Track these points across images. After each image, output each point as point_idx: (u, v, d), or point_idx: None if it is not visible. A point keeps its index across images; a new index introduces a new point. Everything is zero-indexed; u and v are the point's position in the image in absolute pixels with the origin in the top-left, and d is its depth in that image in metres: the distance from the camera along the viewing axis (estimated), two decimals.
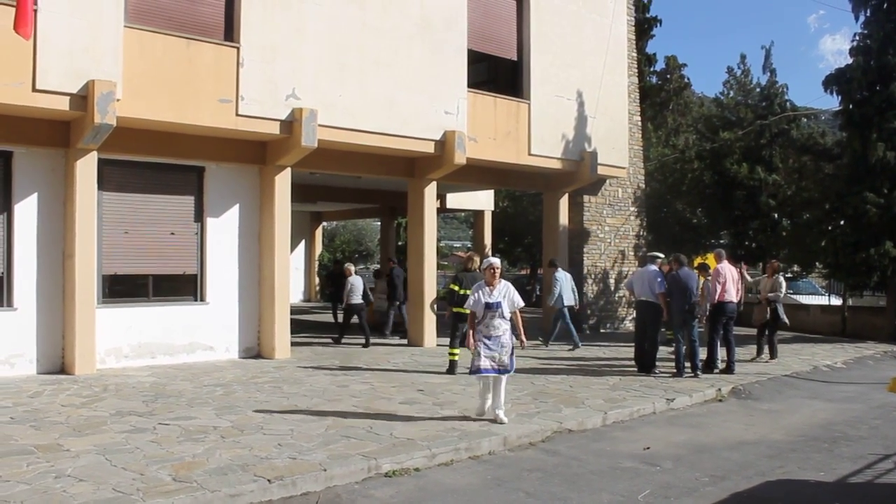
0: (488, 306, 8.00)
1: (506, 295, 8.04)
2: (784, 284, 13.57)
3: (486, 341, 7.96)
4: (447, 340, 15.09)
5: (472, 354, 8.06)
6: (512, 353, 8.02)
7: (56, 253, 10.77)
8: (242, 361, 12.24)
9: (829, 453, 7.36)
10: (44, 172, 10.72)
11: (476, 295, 8.06)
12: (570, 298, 14.61)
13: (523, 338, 8.22)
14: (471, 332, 8.07)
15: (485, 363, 7.93)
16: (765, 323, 13.50)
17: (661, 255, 12.65)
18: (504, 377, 8.04)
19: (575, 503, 5.76)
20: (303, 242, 28.62)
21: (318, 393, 9.49)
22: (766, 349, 13.57)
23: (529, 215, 28.30)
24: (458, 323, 11.38)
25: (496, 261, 8.22)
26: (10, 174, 10.60)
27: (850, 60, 17.52)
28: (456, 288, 11.42)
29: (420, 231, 14.72)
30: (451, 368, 11.37)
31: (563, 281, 14.57)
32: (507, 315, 8.07)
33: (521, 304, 8.19)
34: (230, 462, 6.30)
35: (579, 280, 17.80)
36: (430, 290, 14.75)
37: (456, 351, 11.40)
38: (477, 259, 11.54)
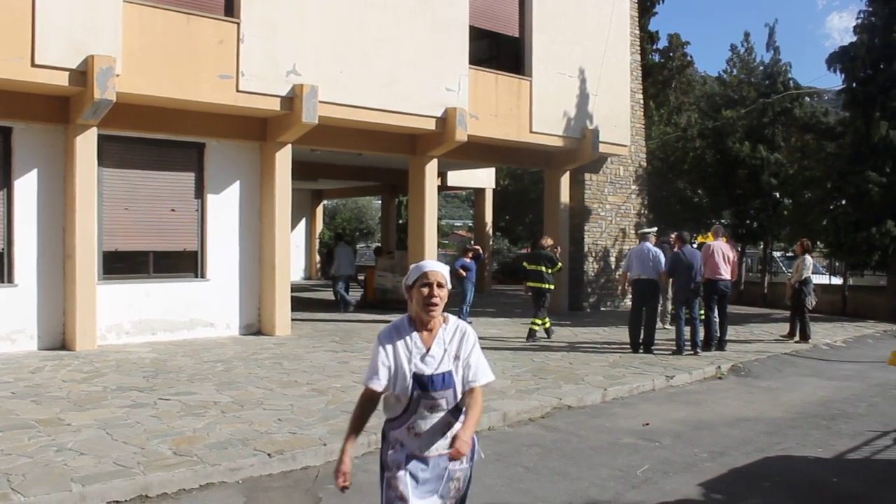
0: (420, 385, 3.25)
1: (459, 354, 3.30)
2: (810, 265, 13.44)
3: (418, 469, 3.26)
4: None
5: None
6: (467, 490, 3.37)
7: (56, 229, 10.75)
8: (243, 338, 12.27)
9: (828, 430, 7.38)
10: (43, 148, 10.67)
11: (382, 355, 3.29)
12: (346, 268, 16.59)
13: (463, 449, 3.12)
14: (347, 441, 3.33)
15: None
16: (795, 303, 13.42)
17: (653, 230, 12.64)
18: None
19: (574, 478, 5.78)
20: (303, 220, 28.61)
21: (319, 369, 9.50)
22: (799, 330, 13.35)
23: (531, 193, 28.25)
24: (535, 297, 12.77)
25: (437, 269, 3.29)
26: (10, 150, 10.55)
27: (854, 38, 17.37)
28: (526, 265, 12.95)
29: (421, 209, 14.71)
30: (531, 335, 12.57)
31: (343, 255, 16.51)
32: (460, 396, 3.30)
33: (491, 377, 3.35)
34: (230, 436, 6.32)
35: (580, 258, 17.85)
36: None
37: (538, 322, 12.66)
38: (548, 240, 13.20)
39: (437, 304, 3.20)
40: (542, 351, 11.48)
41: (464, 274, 14.33)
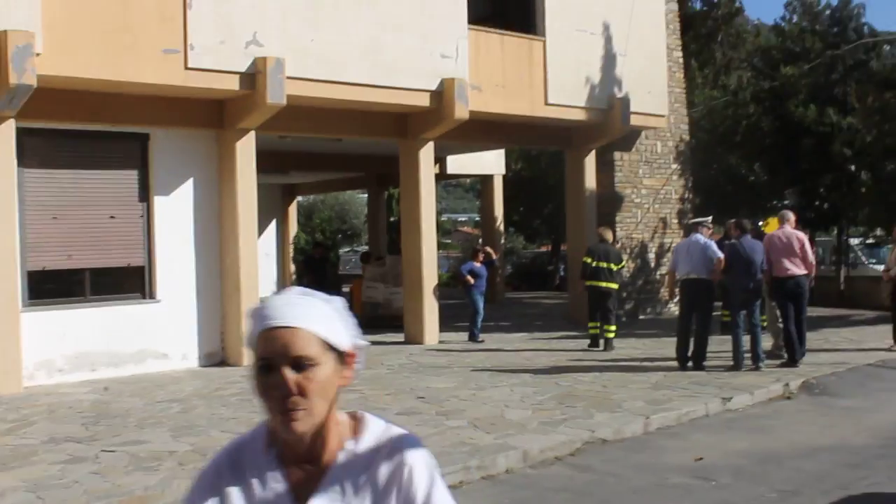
0: None
1: None
2: None
3: None
4: (453, 335, 15.22)
5: None
6: None
7: None
8: (204, 370, 12.28)
9: None
10: None
11: None
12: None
13: None
14: None
15: None
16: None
17: (708, 219, 12.63)
18: None
19: None
20: (273, 223, 28.59)
21: None
22: None
23: (549, 179, 28.27)
24: (593, 298, 13.40)
25: (292, 322, 1.75)
26: None
27: None
28: (588, 260, 13.40)
29: (415, 203, 14.73)
30: (594, 341, 13.39)
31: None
32: None
33: None
34: None
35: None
36: (431, 275, 14.76)
37: (595, 325, 13.39)
38: (610, 232, 14.02)
39: (298, 417, 1.72)
40: (569, 372, 11.48)
41: (471, 282, 14.37)
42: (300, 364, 1.72)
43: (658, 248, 18.56)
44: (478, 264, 14.65)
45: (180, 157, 12.48)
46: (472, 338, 14.50)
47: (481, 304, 14.44)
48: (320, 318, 1.77)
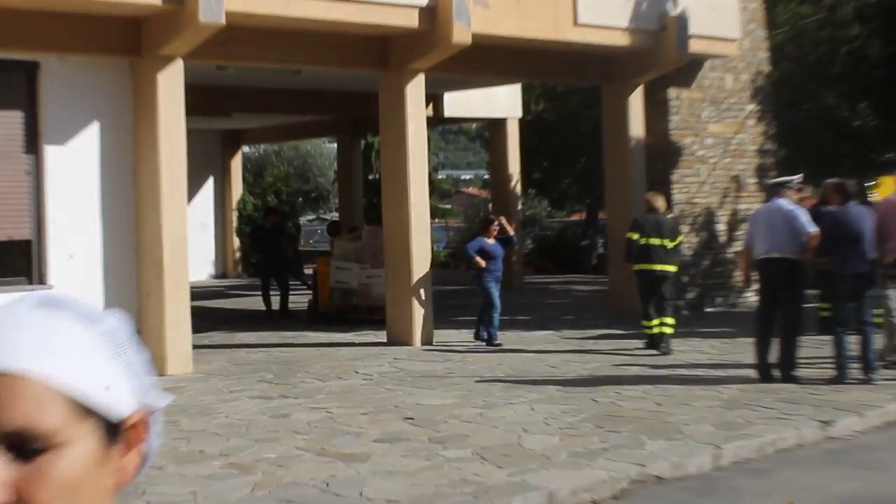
0: None
1: None
2: None
3: None
4: (452, 333, 15.03)
5: None
6: None
7: None
8: None
9: None
10: None
11: None
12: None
13: None
14: None
15: None
16: None
17: (796, 179, 12.63)
18: None
19: None
20: (210, 182, 28.69)
21: (239, 429, 9.52)
22: None
23: (582, 124, 28.13)
24: (644, 285, 13.54)
25: None
26: None
27: None
28: (635, 237, 13.44)
29: (401, 155, 14.76)
30: (653, 343, 13.50)
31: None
32: None
33: None
34: None
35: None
36: (422, 252, 14.84)
37: (653, 322, 13.46)
38: (661, 199, 14.05)
39: None
40: (611, 384, 11.44)
41: (482, 265, 14.13)
42: (21, 446, 1.07)
43: (730, 218, 18.61)
44: (490, 241, 14.44)
45: (81, 95, 12.52)
46: (485, 338, 14.40)
47: (496, 295, 14.22)
48: (68, 355, 1.12)
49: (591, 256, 30.34)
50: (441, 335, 14.85)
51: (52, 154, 12.27)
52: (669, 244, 13.46)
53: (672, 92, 17.92)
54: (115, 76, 12.65)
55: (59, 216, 12.32)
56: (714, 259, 18.44)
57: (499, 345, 14.34)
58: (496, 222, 14.82)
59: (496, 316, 14.38)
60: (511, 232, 15.08)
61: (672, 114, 17.96)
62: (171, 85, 12.52)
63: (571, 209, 37.17)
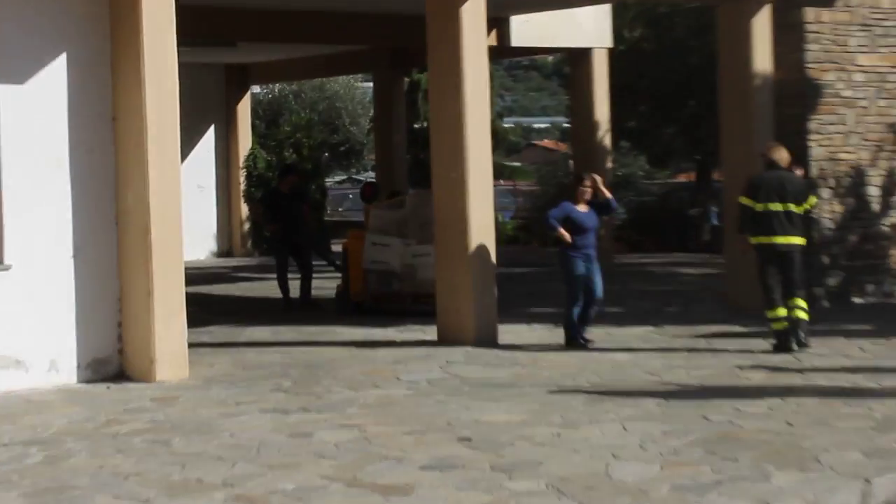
0: None
1: None
2: None
3: None
4: (522, 328, 15.06)
5: None
6: None
7: None
8: (86, 389, 12.39)
9: None
10: None
11: None
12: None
13: None
14: None
15: None
16: None
17: None
18: None
19: None
20: (211, 131, 28.68)
21: (248, 452, 9.52)
22: None
23: (690, 56, 27.96)
24: (765, 264, 13.66)
25: None
26: None
27: None
28: (749, 202, 13.72)
29: (455, 98, 14.81)
30: (783, 341, 13.45)
31: None
32: None
33: None
34: None
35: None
36: (483, 224, 14.84)
37: (780, 312, 13.47)
38: (784, 151, 14.00)
39: None
40: (727, 397, 11.34)
41: (568, 239, 13.91)
42: None
43: (885, 180, 18.48)
44: (582, 208, 14.19)
45: (41, 14, 12.49)
46: (583, 340, 14.36)
47: (591, 279, 14.05)
48: None
49: (701, 230, 30.17)
50: (507, 331, 14.81)
51: (3, 96, 12.29)
52: (796, 209, 13.43)
53: (809, 13, 17.78)
54: None
55: (13, 178, 12.32)
56: (864, 234, 18.32)
57: (588, 343, 14.27)
58: (588, 182, 14.47)
59: (591, 310, 14.28)
60: (608, 195, 14.74)
61: (809, 42, 17.82)
62: (159, 3, 12.50)
63: (677, 168, 36.98)
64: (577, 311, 14.26)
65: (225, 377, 12.81)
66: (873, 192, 18.41)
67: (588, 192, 14.20)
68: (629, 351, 14.15)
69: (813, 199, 13.73)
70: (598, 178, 14.73)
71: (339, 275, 19.03)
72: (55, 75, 12.61)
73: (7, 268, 12.37)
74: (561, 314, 14.61)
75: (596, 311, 14.52)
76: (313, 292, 18.83)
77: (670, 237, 29.99)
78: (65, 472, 9.05)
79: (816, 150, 17.78)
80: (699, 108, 28.13)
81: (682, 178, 37.04)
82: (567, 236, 13.89)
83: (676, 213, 32.33)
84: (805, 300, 13.57)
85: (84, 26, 12.71)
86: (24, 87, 12.45)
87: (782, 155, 13.74)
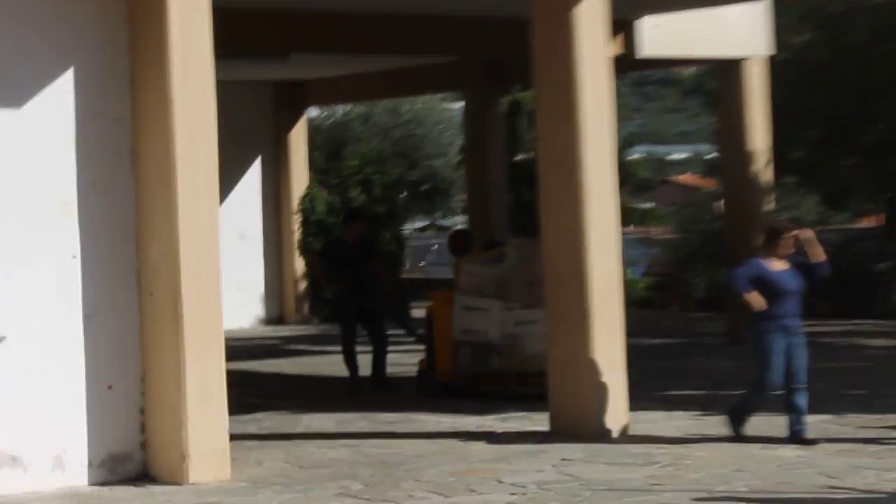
0: None
1: None
2: None
3: None
4: (659, 416, 15.04)
5: None
6: None
7: None
8: (100, 492, 12.44)
9: None
10: None
11: None
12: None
13: None
14: None
15: None
16: None
17: None
18: None
19: None
20: (256, 166, 28.91)
21: None
22: None
23: (874, 66, 27.88)
24: None
25: None
26: None
27: None
28: None
29: (568, 122, 14.87)
30: None
31: None
32: None
33: None
34: None
35: None
36: (607, 285, 14.87)
37: None
38: None
39: None
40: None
41: (760, 305, 13.65)
42: None
43: None
44: (779, 265, 13.97)
45: (47, 24, 12.71)
46: (739, 430, 14.28)
47: (795, 361, 13.88)
48: None
49: (892, 289, 30.01)
50: (640, 420, 14.89)
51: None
52: None
53: None
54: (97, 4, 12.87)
55: (7, 226, 12.42)
56: None
57: (810, 441, 13.97)
58: (790, 234, 14.12)
59: (796, 396, 13.96)
60: (820, 254, 14.10)
61: None
62: (192, 5, 12.71)
63: (859, 210, 36.83)
64: (757, 397, 14.18)
65: (277, 478, 12.83)
66: None
67: (790, 247, 13.94)
68: (800, 446, 14.02)
69: None
70: (810, 234, 14.25)
71: (422, 348, 19.13)
72: (60, 93, 12.73)
73: (0, 339, 12.50)
74: (711, 397, 14.56)
75: (806, 399, 14.08)
76: (389, 369, 19.01)
77: (851, 299, 29.83)
78: None
79: None
80: (887, 134, 28.03)
81: (865, 223, 36.86)
82: (760, 301, 13.63)
83: (858, 267, 32.17)
84: None
85: (96, 35, 12.90)
86: (20, 113, 12.59)
87: None
